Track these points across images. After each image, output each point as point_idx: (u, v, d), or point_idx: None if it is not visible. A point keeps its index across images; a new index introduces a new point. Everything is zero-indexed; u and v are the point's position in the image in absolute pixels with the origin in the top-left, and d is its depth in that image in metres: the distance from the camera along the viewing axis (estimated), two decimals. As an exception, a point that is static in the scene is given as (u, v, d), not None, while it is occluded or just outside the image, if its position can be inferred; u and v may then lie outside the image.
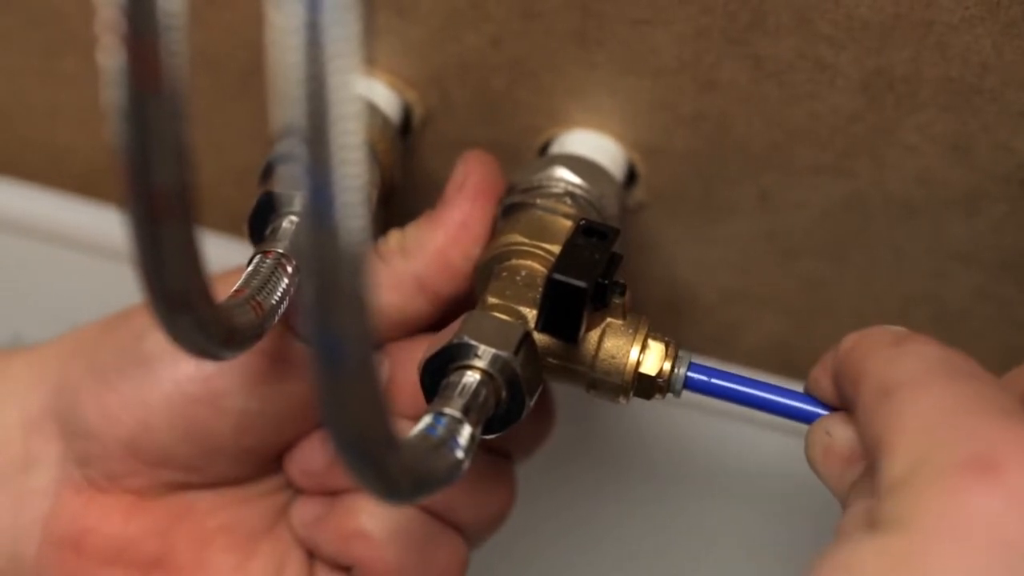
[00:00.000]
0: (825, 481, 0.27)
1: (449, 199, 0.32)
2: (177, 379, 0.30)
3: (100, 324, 0.32)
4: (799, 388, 0.29)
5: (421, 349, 0.28)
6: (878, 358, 0.25)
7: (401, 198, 0.36)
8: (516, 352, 0.27)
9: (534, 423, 0.34)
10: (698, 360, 0.30)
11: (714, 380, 0.29)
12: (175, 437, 0.30)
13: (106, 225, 0.42)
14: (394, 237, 0.32)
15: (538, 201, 0.32)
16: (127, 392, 0.30)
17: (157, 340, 0.30)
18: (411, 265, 0.31)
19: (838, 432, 0.27)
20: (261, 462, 0.32)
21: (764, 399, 0.29)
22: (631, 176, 0.37)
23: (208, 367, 0.30)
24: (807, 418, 0.28)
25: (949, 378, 0.23)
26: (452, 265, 0.31)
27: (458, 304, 0.31)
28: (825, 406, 0.28)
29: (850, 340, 0.26)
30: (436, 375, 0.27)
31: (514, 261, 0.30)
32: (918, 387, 0.23)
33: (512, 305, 0.29)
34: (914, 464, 0.21)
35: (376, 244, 0.32)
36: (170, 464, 0.31)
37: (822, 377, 0.28)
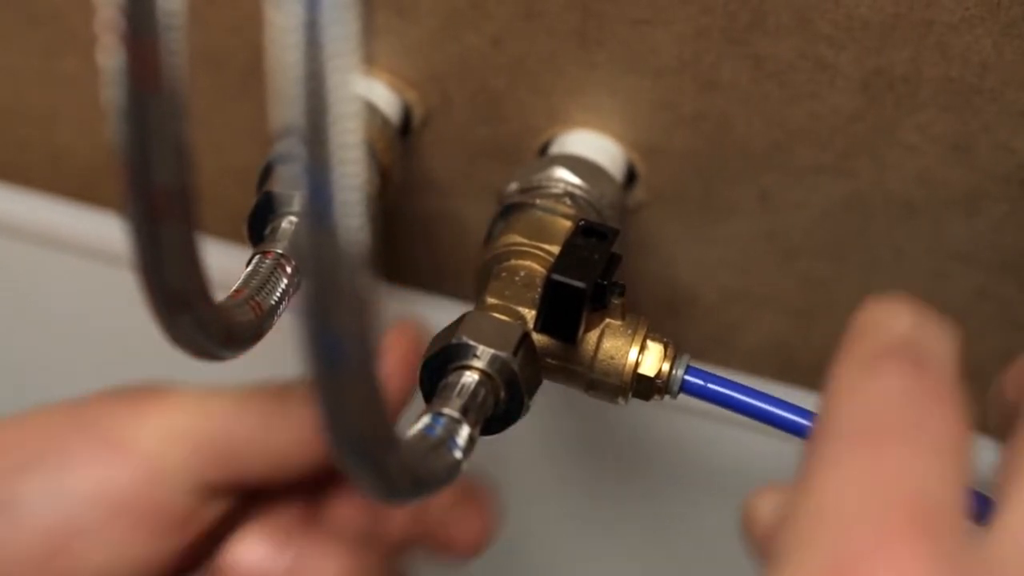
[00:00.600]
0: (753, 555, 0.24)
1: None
2: (41, 529, 0.29)
3: None
4: (798, 392, 0.29)
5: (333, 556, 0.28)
6: (843, 384, 0.21)
7: (400, 198, 0.36)
8: (515, 352, 0.27)
9: (473, 523, 0.33)
10: (698, 361, 0.30)
11: (710, 385, 0.29)
12: None
13: (104, 230, 0.42)
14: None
15: (537, 201, 0.32)
16: None
17: (26, 481, 0.29)
18: None
19: (762, 506, 0.24)
20: None
21: (758, 408, 0.28)
22: (631, 176, 0.37)
23: (73, 522, 0.29)
24: (800, 431, 0.28)
25: (884, 444, 0.19)
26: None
27: None
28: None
29: (859, 324, 0.22)
30: (435, 375, 0.27)
31: (513, 261, 0.30)
32: (846, 449, 0.19)
33: (511, 305, 0.29)
34: (795, 544, 0.19)
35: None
36: None
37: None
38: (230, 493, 0.31)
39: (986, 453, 0.39)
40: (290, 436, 0.30)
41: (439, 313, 0.37)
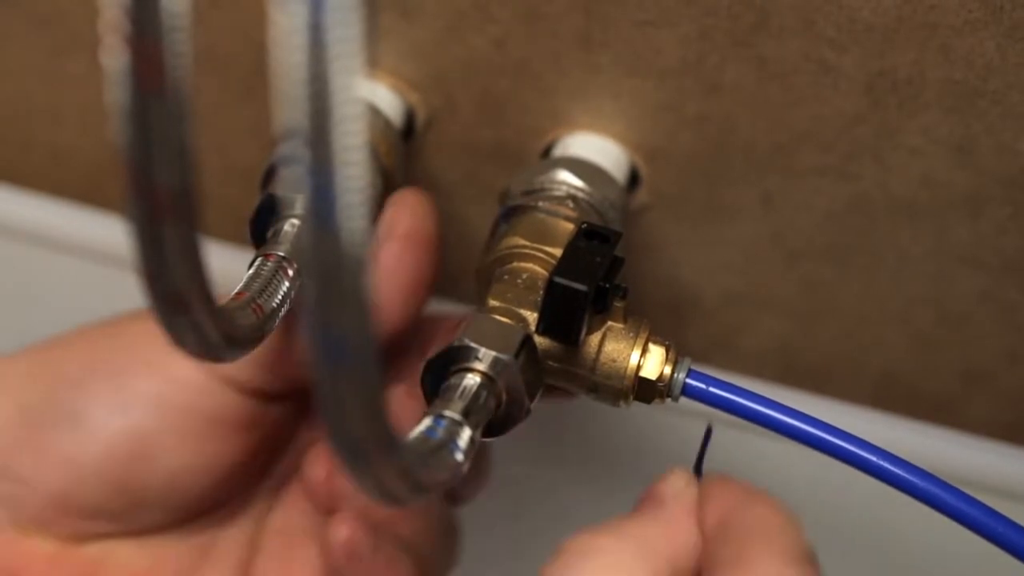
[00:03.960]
0: None
1: (377, 245, 0.31)
2: (112, 436, 0.30)
3: (26, 359, 0.32)
4: (800, 396, 0.29)
5: None
6: None
7: (404, 200, 0.36)
8: (516, 355, 0.27)
9: (474, 472, 0.33)
10: (700, 364, 0.29)
11: (711, 388, 0.29)
12: (106, 492, 0.30)
13: (107, 231, 0.42)
14: None
15: (540, 204, 0.32)
16: (61, 445, 0.30)
17: (91, 392, 0.30)
18: None
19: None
20: (189, 514, 0.32)
21: (759, 412, 0.28)
22: (634, 179, 0.37)
23: (142, 426, 0.30)
24: (801, 435, 0.28)
25: None
26: (385, 311, 0.30)
27: (398, 346, 0.30)
28: (823, 425, 0.28)
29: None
30: (436, 377, 0.27)
31: (515, 264, 0.30)
32: None
33: (513, 308, 0.29)
34: None
35: None
36: (99, 517, 0.31)
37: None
38: (287, 398, 0.31)
39: (997, 458, 0.39)
40: None
41: (441, 315, 0.37)
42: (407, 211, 0.31)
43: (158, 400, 0.30)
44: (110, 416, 0.30)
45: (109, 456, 0.30)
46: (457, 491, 0.34)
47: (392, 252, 0.31)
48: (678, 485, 0.26)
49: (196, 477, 0.31)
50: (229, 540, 0.33)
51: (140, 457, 0.30)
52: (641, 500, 0.26)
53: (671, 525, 0.24)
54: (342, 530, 0.30)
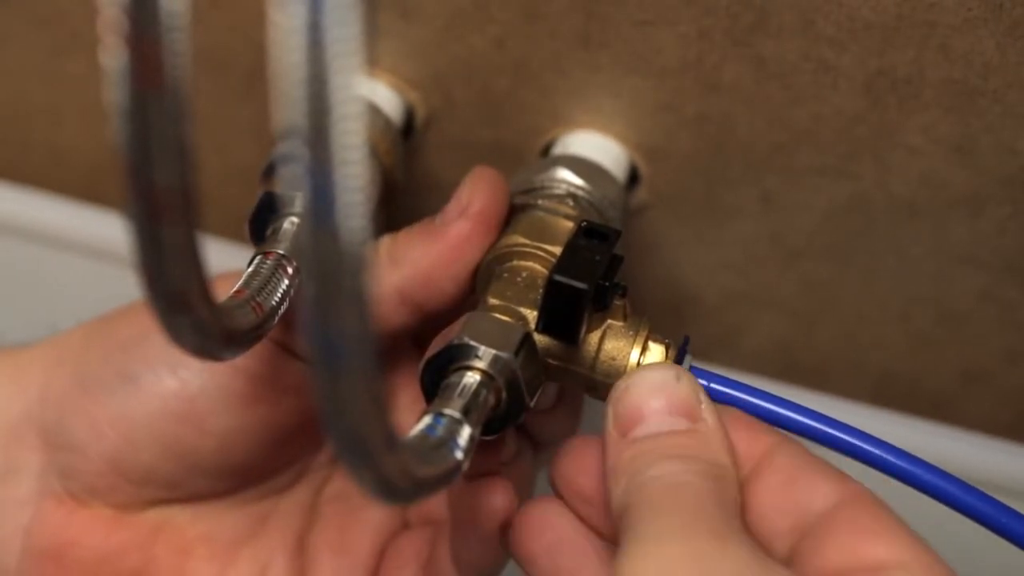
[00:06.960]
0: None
1: (449, 218, 0.31)
2: (163, 396, 0.30)
3: (83, 330, 0.32)
4: (800, 393, 0.29)
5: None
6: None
7: (403, 199, 0.36)
8: (516, 353, 0.27)
9: (567, 417, 0.33)
10: (700, 362, 0.30)
11: (712, 385, 0.29)
12: (158, 455, 0.30)
13: (107, 229, 0.42)
14: (385, 244, 0.31)
15: (540, 202, 0.32)
16: (113, 407, 0.30)
17: (142, 355, 0.30)
18: (396, 277, 0.30)
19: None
20: (243, 479, 0.32)
21: (760, 408, 0.28)
22: (633, 177, 0.37)
23: (192, 386, 0.30)
24: (801, 430, 0.28)
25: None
26: (438, 285, 0.30)
27: (443, 318, 0.31)
28: (824, 419, 0.28)
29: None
30: (436, 375, 0.27)
31: (515, 262, 0.30)
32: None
33: (513, 306, 0.29)
34: None
35: None
36: (152, 482, 0.31)
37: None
38: None
39: (996, 455, 0.39)
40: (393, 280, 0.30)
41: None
42: (485, 189, 0.31)
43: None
44: (161, 377, 0.30)
45: (160, 417, 0.30)
46: (547, 435, 0.33)
47: (462, 230, 0.30)
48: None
49: (247, 440, 0.31)
50: (287, 508, 0.33)
51: (190, 419, 0.30)
52: None
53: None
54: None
